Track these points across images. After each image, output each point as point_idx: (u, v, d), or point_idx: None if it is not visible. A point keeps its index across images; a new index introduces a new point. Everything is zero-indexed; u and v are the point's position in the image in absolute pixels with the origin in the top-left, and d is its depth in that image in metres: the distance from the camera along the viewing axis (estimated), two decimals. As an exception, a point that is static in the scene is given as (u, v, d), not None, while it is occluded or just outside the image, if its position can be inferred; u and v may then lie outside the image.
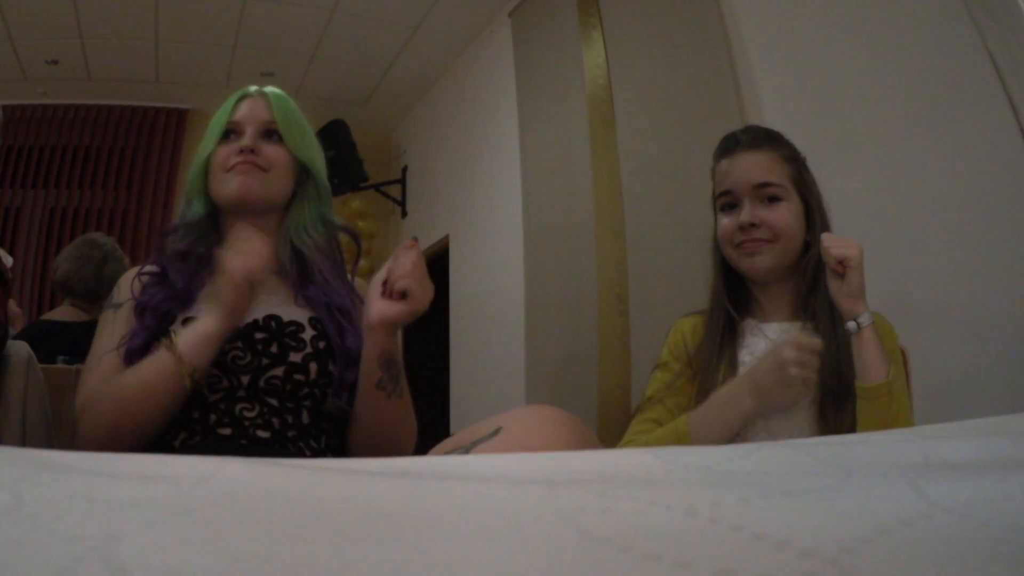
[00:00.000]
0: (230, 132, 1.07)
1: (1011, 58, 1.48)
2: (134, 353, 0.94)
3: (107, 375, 0.94)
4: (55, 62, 3.86)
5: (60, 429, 1.44)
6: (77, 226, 4.18)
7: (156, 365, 0.89)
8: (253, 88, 1.11)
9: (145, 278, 1.02)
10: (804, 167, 1.14)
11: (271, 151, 1.06)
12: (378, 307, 0.91)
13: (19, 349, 1.40)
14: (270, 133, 1.07)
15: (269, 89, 1.12)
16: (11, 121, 4.18)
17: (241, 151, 1.04)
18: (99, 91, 4.23)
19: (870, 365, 0.97)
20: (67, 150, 4.27)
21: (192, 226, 1.06)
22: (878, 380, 0.96)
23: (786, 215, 1.09)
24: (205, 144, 1.07)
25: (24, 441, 1.33)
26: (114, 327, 0.98)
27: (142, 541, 0.22)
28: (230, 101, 1.09)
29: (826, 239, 1.02)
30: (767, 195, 1.09)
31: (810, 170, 1.15)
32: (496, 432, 0.60)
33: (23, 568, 0.20)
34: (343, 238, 1.16)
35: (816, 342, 0.97)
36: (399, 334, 0.96)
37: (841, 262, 0.99)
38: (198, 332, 0.90)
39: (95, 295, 2.12)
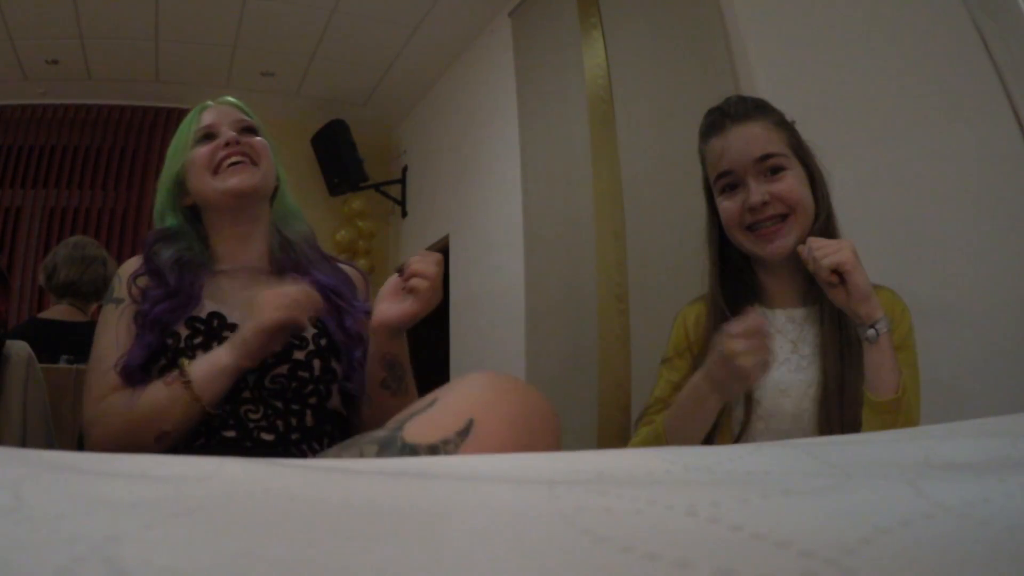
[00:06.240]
0: (204, 137, 1.07)
1: (1011, 58, 1.48)
2: (132, 370, 0.93)
3: (115, 387, 0.93)
4: (55, 62, 3.85)
5: (60, 429, 1.44)
6: (77, 226, 4.18)
7: (169, 396, 0.88)
8: (210, 102, 1.13)
9: (143, 281, 1.00)
10: (796, 131, 1.06)
11: (255, 142, 1.07)
12: (379, 309, 0.94)
13: (19, 349, 1.40)
14: (246, 129, 1.09)
15: (227, 98, 1.14)
16: (11, 121, 4.18)
17: (227, 144, 1.04)
18: (99, 91, 4.22)
19: (882, 377, 0.90)
20: (67, 150, 4.26)
21: (174, 235, 1.06)
22: (888, 395, 0.90)
23: (795, 184, 1.00)
24: (174, 159, 1.07)
25: (24, 441, 1.33)
26: (118, 328, 0.98)
27: (142, 541, 0.22)
28: (192, 114, 1.10)
29: (810, 247, 0.93)
30: (770, 167, 1.00)
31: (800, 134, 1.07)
32: (432, 404, 0.60)
33: (23, 568, 0.20)
34: (345, 237, 1.18)
35: (759, 320, 0.87)
36: (404, 335, 0.97)
37: (835, 270, 0.90)
38: (215, 366, 0.89)
39: (99, 296, 2.14)
